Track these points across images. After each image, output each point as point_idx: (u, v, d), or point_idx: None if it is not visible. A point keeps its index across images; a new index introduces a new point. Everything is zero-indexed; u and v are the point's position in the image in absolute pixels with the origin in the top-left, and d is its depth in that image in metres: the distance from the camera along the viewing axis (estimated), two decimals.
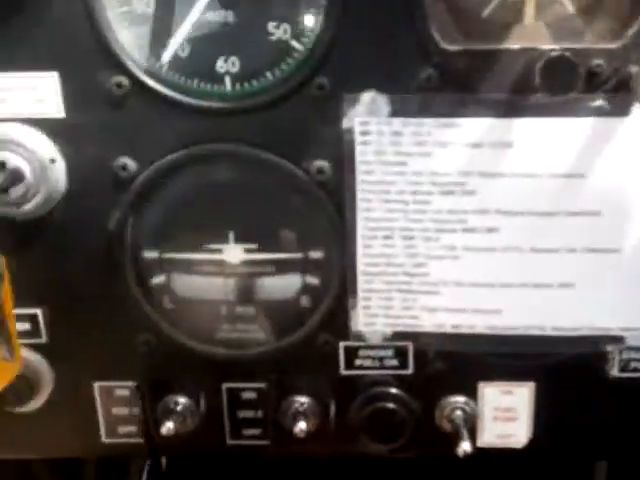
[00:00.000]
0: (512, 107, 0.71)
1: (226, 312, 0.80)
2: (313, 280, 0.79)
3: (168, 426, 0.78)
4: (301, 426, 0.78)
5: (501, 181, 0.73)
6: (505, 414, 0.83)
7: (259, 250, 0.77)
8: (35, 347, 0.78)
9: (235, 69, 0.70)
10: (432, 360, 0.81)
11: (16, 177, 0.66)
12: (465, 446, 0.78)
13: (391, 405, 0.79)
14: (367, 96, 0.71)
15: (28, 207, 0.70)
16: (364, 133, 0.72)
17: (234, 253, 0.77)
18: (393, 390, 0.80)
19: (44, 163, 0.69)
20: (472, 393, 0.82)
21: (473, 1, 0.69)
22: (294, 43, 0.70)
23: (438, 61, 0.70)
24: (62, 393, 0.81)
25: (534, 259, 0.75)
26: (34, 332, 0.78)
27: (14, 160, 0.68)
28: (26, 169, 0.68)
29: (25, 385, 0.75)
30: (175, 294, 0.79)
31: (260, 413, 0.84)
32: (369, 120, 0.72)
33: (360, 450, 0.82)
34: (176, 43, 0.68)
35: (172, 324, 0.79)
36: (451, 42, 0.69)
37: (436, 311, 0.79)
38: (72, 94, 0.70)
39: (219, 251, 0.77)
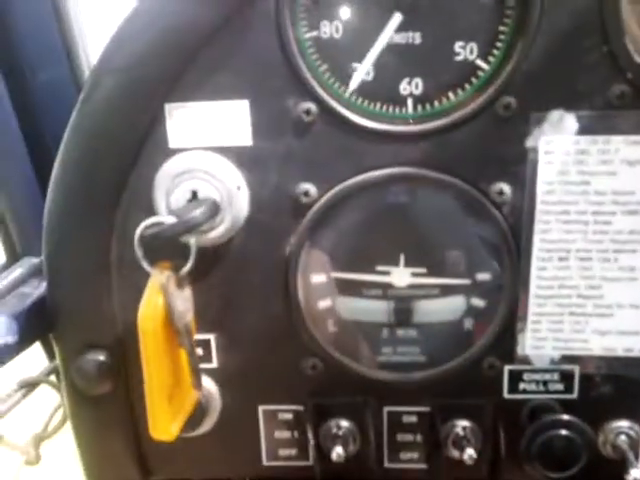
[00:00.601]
0: None
1: (387, 335, 0.79)
2: (479, 303, 0.77)
3: (337, 451, 0.76)
4: (469, 452, 0.76)
5: None
6: None
7: (427, 274, 0.75)
8: (206, 372, 0.78)
9: (418, 91, 0.68)
10: (598, 384, 0.78)
11: (214, 210, 0.65)
12: (635, 473, 0.75)
13: (567, 432, 0.76)
14: (555, 114, 0.68)
15: (213, 235, 0.69)
16: (548, 152, 0.69)
17: (402, 276, 0.75)
18: (566, 416, 0.77)
19: (231, 191, 0.68)
20: (636, 417, 0.79)
21: None
22: (480, 62, 0.67)
23: (632, 76, 0.66)
24: (228, 417, 0.81)
25: None
26: (206, 357, 0.78)
27: (205, 189, 0.67)
28: (217, 198, 0.67)
29: (198, 410, 0.75)
30: (339, 317, 0.78)
31: (419, 437, 0.82)
32: (554, 139, 0.69)
33: (525, 478, 0.80)
34: (365, 68, 0.66)
35: (336, 348, 0.78)
36: None
37: (608, 334, 0.76)
38: (260, 122, 0.69)
39: (387, 274, 0.75)
